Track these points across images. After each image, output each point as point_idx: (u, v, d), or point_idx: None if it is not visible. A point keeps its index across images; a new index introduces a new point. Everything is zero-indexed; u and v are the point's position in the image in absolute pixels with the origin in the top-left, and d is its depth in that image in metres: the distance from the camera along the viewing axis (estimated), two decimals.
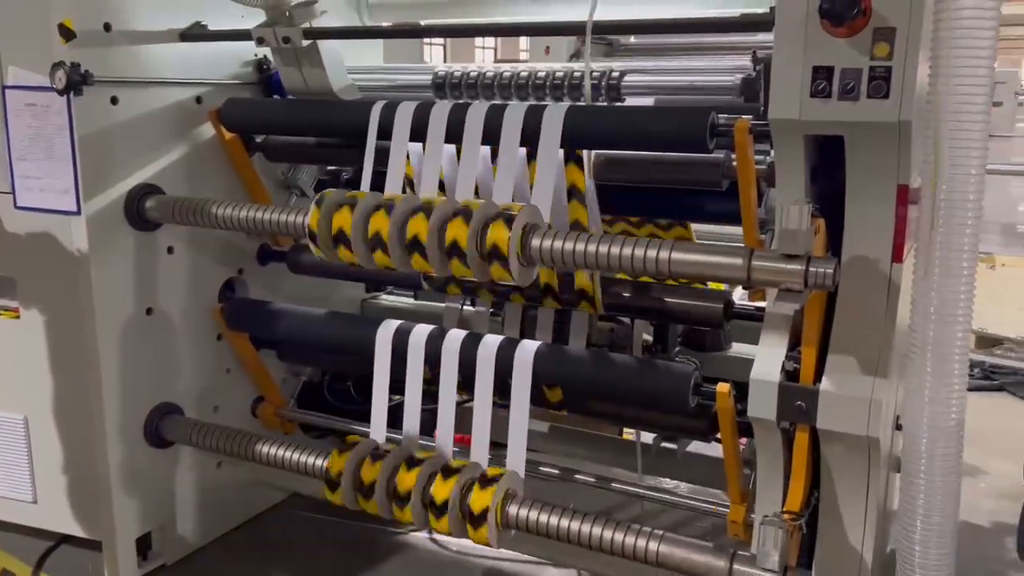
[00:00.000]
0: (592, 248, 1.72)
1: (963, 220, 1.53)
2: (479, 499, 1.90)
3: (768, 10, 1.71)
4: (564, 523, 1.87)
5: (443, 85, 2.31)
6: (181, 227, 2.39)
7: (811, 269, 1.55)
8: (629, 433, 3.14)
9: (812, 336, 1.79)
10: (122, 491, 2.36)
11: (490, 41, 23.61)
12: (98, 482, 2.34)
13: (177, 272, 2.44)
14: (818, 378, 1.79)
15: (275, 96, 2.57)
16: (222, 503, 2.69)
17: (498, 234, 1.74)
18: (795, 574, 1.69)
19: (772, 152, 1.80)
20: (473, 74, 2.26)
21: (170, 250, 2.41)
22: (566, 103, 1.97)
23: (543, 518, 1.89)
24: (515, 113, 1.95)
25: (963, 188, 1.51)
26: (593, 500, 2.37)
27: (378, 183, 2.25)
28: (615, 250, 1.70)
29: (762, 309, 2.10)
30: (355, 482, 2.04)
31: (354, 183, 2.78)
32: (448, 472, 1.96)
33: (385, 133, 2.11)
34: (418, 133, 2.08)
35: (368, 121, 2.13)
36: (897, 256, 1.75)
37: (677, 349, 2.43)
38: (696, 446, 2.61)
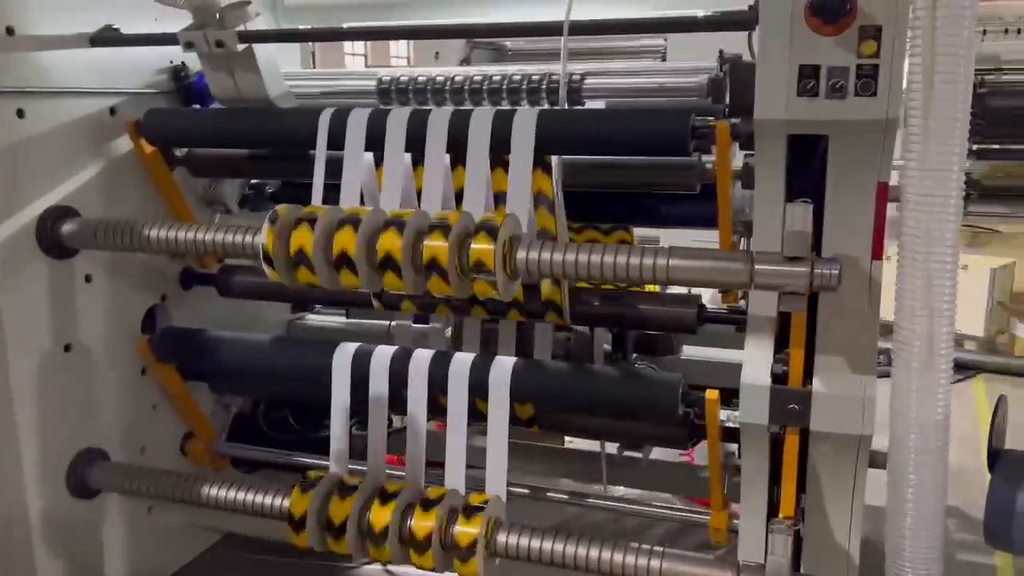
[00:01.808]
0: (584, 258, 1.64)
1: (946, 217, 1.54)
2: (465, 533, 1.78)
3: (747, 8, 1.68)
4: (559, 547, 1.78)
5: (388, 91, 2.18)
6: (100, 253, 2.17)
7: (816, 271, 1.53)
8: (570, 442, 3.09)
9: (799, 338, 1.77)
10: (44, 548, 2.11)
11: (360, 47, 23.01)
12: (15, 539, 2.08)
13: (96, 302, 2.20)
14: (807, 379, 1.78)
15: (195, 106, 2.37)
16: (154, 550, 2.45)
17: (482, 249, 1.64)
18: None
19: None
20: (421, 79, 2.14)
21: (88, 278, 2.17)
22: (536, 108, 1.88)
23: (535, 544, 1.80)
24: (483, 118, 1.85)
25: (945, 186, 1.52)
26: (545, 514, 2.27)
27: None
28: (608, 259, 1.63)
29: (734, 311, 2.09)
30: (323, 522, 1.88)
31: (280, 198, 2.61)
32: (427, 504, 1.83)
33: (335, 142, 1.97)
34: (373, 141, 1.94)
35: (314, 130, 1.98)
36: (877, 253, 1.76)
37: (634, 356, 2.39)
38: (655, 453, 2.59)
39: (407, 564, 1.87)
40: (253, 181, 2.61)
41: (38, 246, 2.02)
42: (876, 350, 1.76)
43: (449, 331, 2.34)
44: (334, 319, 2.95)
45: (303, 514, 1.88)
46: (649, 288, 2.22)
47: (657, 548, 1.76)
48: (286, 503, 1.95)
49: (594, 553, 1.76)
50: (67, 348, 2.12)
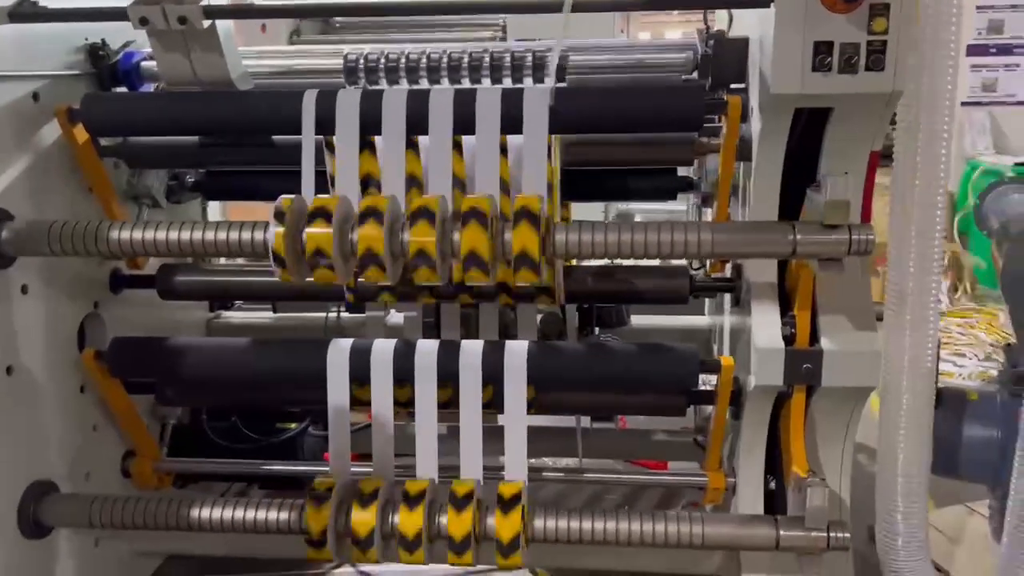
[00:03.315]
0: (627, 238, 1.64)
1: (936, 181, 1.67)
2: (505, 525, 1.75)
3: None
4: (599, 525, 1.79)
5: (355, 70, 2.05)
6: (34, 260, 1.90)
7: (854, 237, 1.62)
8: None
9: (806, 300, 1.87)
10: None
11: None
12: None
13: (34, 316, 1.93)
14: (813, 340, 1.88)
15: (121, 88, 2.12)
16: None
17: (527, 235, 1.59)
18: (838, 528, 1.77)
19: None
20: (393, 56, 2.03)
21: (24, 290, 1.90)
22: (546, 85, 1.84)
23: (574, 524, 1.80)
24: (490, 97, 1.79)
25: (934, 153, 1.65)
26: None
27: (277, 186, 2.00)
28: (652, 237, 1.64)
29: (719, 279, 2.17)
30: (345, 534, 1.78)
31: (203, 187, 2.41)
32: (459, 501, 1.77)
33: (320, 126, 1.83)
34: (367, 124, 1.83)
35: (296, 114, 1.83)
36: (866, 217, 1.89)
37: (597, 330, 2.43)
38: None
39: (442, 564, 1.81)
40: (174, 171, 2.38)
41: None
42: (873, 308, 1.89)
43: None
44: (260, 315, 2.77)
45: (322, 529, 1.76)
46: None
47: (696, 513, 1.81)
48: (295, 516, 1.83)
49: (635, 526, 1.79)
50: (9, 371, 1.85)
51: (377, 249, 1.60)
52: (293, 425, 2.51)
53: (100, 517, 1.91)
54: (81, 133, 1.96)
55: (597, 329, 2.43)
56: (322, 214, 1.61)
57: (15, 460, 1.88)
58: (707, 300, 2.71)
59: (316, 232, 1.60)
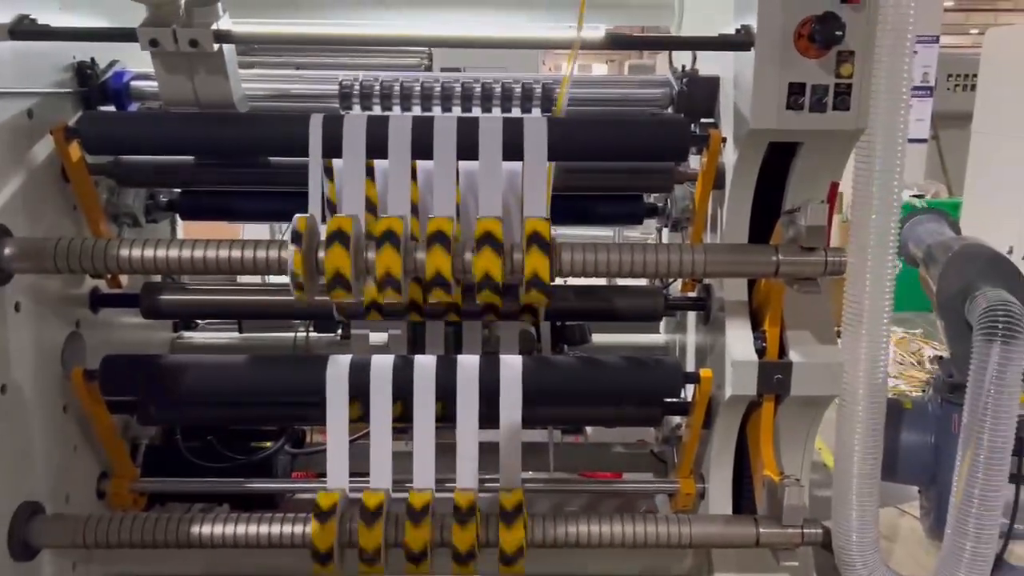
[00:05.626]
0: (627, 257, 1.77)
1: (890, 211, 1.87)
2: (509, 537, 1.83)
3: (734, 32, 1.91)
4: (595, 529, 1.90)
5: (349, 95, 2.12)
6: (25, 277, 1.89)
7: (829, 259, 1.79)
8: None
9: (776, 318, 2.04)
10: None
11: None
12: None
13: (25, 334, 1.91)
14: (781, 353, 2.05)
15: (110, 107, 2.12)
16: None
17: (537, 260, 1.70)
18: (810, 524, 1.93)
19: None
20: (387, 83, 2.11)
21: (17, 307, 1.88)
22: (544, 115, 1.96)
23: (572, 529, 1.90)
24: (492, 125, 1.90)
25: (888, 187, 1.85)
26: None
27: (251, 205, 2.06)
28: (651, 257, 1.77)
29: (690, 298, 2.32)
30: (349, 551, 1.83)
31: (177, 207, 2.42)
32: (463, 516, 1.85)
33: (329, 149, 1.90)
34: (371, 148, 1.91)
35: (303, 137, 1.89)
36: (827, 239, 2.08)
37: (563, 345, 2.55)
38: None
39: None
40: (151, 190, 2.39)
41: None
42: (833, 324, 2.08)
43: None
44: (225, 335, 2.76)
45: (328, 548, 1.81)
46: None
47: (684, 515, 1.94)
48: (299, 530, 1.87)
49: (628, 529, 1.90)
50: (3, 389, 1.83)
51: (395, 272, 1.68)
52: (268, 444, 2.52)
53: (95, 537, 1.89)
54: (76, 151, 1.96)
55: (565, 346, 2.55)
56: (339, 237, 1.68)
57: (5, 480, 1.85)
58: (664, 319, 2.86)
59: (335, 254, 1.67)
